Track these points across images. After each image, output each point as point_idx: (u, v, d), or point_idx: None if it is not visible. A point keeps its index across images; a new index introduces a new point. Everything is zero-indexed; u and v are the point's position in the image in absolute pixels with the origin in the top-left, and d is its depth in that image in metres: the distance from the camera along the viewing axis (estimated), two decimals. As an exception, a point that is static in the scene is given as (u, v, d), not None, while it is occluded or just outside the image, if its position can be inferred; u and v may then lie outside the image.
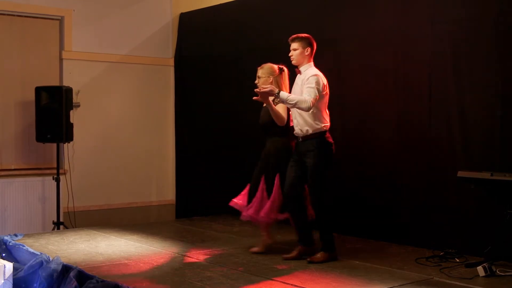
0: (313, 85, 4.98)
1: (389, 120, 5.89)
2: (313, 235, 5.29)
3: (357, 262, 5.07)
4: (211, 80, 7.93)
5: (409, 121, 5.74)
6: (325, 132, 5.13)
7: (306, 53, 5.17)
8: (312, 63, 5.22)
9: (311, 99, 4.91)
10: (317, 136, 5.10)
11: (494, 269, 4.61)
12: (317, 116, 5.09)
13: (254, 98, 5.07)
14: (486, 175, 4.70)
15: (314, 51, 5.24)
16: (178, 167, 8.38)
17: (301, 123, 5.15)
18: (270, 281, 4.49)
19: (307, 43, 5.18)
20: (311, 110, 5.01)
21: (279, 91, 5.02)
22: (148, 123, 8.25)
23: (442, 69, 5.48)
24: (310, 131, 5.11)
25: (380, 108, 5.97)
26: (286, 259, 5.18)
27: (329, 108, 6.49)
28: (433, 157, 5.54)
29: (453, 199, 5.39)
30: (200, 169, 8.04)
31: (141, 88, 8.20)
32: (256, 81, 5.44)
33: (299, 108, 4.99)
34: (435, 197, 5.53)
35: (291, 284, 4.38)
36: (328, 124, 5.16)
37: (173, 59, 8.45)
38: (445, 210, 5.46)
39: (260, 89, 5.03)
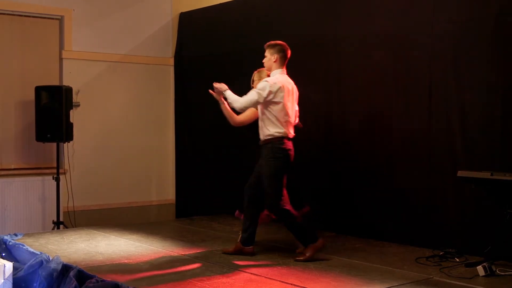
0: (256, 89, 5.16)
1: (389, 119, 5.89)
2: (254, 235, 5.36)
3: (357, 261, 5.07)
4: (211, 80, 7.89)
5: (409, 121, 5.74)
6: (278, 139, 5.16)
7: (273, 60, 5.28)
8: (280, 70, 5.29)
9: (244, 101, 5.16)
10: (269, 142, 5.20)
11: (494, 269, 4.61)
12: (269, 124, 5.19)
13: (210, 91, 5.36)
14: (486, 174, 4.70)
15: (286, 59, 5.32)
16: (178, 166, 8.38)
17: (259, 130, 5.30)
18: (269, 280, 4.49)
19: (275, 50, 5.29)
20: (262, 117, 5.22)
21: (226, 89, 5.28)
22: (148, 122, 8.25)
23: (442, 69, 5.49)
24: (263, 138, 5.24)
25: (380, 108, 5.97)
26: (225, 252, 5.32)
27: (328, 108, 6.51)
28: (433, 157, 5.54)
29: (453, 199, 5.39)
30: (200, 169, 8.04)
31: (141, 88, 8.20)
32: (252, 85, 5.54)
33: (232, 106, 5.29)
34: (435, 196, 5.53)
35: (291, 284, 4.38)
36: (283, 131, 5.17)
37: (173, 58, 8.45)
38: (445, 209, 5.46)
39: (215, 84, 5.33)
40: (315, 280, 4.50)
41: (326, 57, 6.47)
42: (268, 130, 5.19)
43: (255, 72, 5.61)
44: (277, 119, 5.18)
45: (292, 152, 5.25)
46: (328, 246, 5.38)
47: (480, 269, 4.59)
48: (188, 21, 8.34)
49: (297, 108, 5.43)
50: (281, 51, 5.28)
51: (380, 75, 5.98)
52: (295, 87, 5.37)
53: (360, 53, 6.15)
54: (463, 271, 4.74)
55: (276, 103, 5.16)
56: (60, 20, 7.63)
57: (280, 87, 5.15)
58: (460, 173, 4.94)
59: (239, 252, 5.29)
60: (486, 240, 4.94)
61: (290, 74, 6.52)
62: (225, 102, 5.37)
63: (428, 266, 4.92)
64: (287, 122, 5.22)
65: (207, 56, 7.97)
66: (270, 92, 5.11)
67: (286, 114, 5.21)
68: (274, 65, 5.29)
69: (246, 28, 7.39)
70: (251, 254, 5.27)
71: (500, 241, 4.87)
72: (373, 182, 6.01)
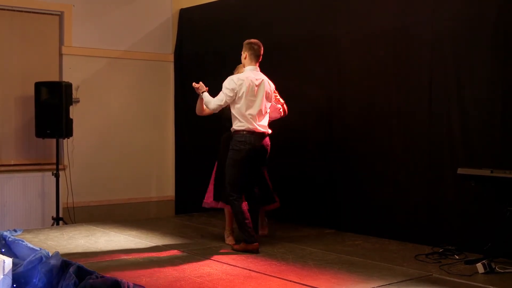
0: (223, 89, 5.47)
1: (390, 117, 5.88)
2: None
3: (357, 258, 5.07)
4: (211, 76, 7.89)
5: (410, 119, 5.73)
6: (238, 132, 5.42)
7: (244, 57, 5.56)
8: (251, 67, 5.52)
9: (214, 102, 5.51)
10: (233, 135, 5.48)
11: (494, 266, 4.61)
12: (233, 118, 5.48)
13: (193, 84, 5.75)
14: (486, 172, 4.70)
15: (258, 56, 5.51)
16: (178, 163, 8.38)
17: None
18: (269, 277, 4.49)
19: (245, 48, 5.56)
20: (232, 112, 5.48)
21: (204, 91, 5.67)
22: (147, 119, 8.24)
23: (442, 66, 5.47)
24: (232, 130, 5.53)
25: (380, 105, 5.96)
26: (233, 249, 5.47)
27: (328, 105, 6.50)
28: (433, 154, 5.53)
29: (453, 196, 5.38)
30: (200, 165, 8.01)
31: (141, 84, 8.19)
32: None
33: (207, 107, 5.66)
34: (435, 193, 5.53)
35: (290, 281, 4.38)
36: (244, 125, 5.38)
37: (173, 54, 8.44)
38: (445, 207, 5.46)
39: (194, 85, 5.70)
40: (314, 277, 4.49)
41: (326, 54, 6.45)
42: (233, 123, 5.47)
43: (237, 67, 5.84)
44: (239, 114, 5.41)
45: (252, 145, 5.38)
46: (328, 242, 5.39)
47: (479, 266, 4.60)
48: (188, 18, 8.33)
49: (273, 103, 5.69)
50: (251, 49, 5.51)
51: (380, 72, 5.97)
52: (267, 83, 5.52)
53: (360, 50, 6.14)
54: (463, 268, 4.74)
55: (237, 100, 5.41)
56: (60, 16, 7.61)
57: (242, 83, 5.39)
58: (460, 171, 4.93)
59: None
60: (486, 238, 4.94)
61: (290, 71, 6.54)
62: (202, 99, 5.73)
63: (428, 263, 4.92)
64: (249, 117, 5.39)
65: (207, 53, 7.96)
66: (233, 90, 5.39)
67: (248, 108, 5.39)
68: (245, 62, 5.55)
69: (246, 24, 7.38)
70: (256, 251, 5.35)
71: (500, 239, 4.87)
72: (373, 179, 6.00)
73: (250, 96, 5.39)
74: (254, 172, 5.58)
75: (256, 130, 5.40)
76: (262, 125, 5.46)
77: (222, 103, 5.48)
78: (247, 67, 5.53)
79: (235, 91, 5.39)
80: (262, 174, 5.92)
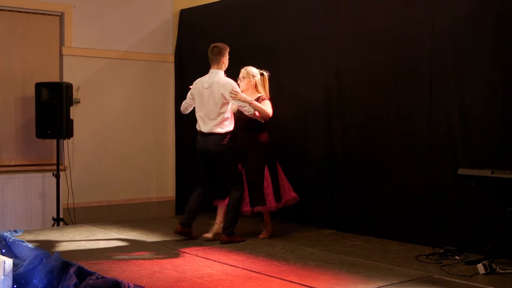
0: None
1: (390, 117, 5.87)
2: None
3: (357, 259, 5.07)
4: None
5: (410, 119, 5.73)
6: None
7: None
8: (210, 70, 5.86)
9: (182, 104, 6.07)
10: None
11: (494, 267, 4.61)
12: None
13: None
14: (486, 172, 4.70)
15: (212, 59, 5.86)
16: (178, 163, 8.37)
17: None
18: (269, 278, 4.49)
19: None
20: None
21: None
22: (148, 119, 8.24)
23: (442, 66, 5.47)
24: None
25: (380, 105, 5.96)
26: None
27: (327, 105, 6.51)
28: (434, 154, 5.53)
29: (454, 196, 5.38)
30: (200, 166, 8.02)
31: (141, 85, 8.19)
32: (238, 81, 5.95)
33: None
34: (435, 194, 5.52)
35: (290, 281, 4.38)
36: (197, 127, 5.85)
37: (173, 55, 8.44)
38: (445, 207, 5.46)
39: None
40: (314, 277, 4.49)
41: (325, 54, 6.45)
42: None
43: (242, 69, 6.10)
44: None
45: (199, 145, 5.85)
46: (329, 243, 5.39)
47: (480, 267, 4.59)
48: (189, 18, 8.33)
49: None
50: (208, 53, 5.84)
51: (380, 72, 5.96)
52: (220, 85, 5.66)
53: (360, 50, 6.13)
54: (463, 269, 4.74)
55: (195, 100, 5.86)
56: (61, 16, 7.61)
57: (195, 86, 5.83)
58: (461, 171, 4.93)
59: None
60: (487, 238, 4.94)
61: (290, 71, 6.53)
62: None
63: (428, 264, 4.92)
64: (198, 118, 5.82)
65: (207, 53, 7.94)
66: (190, 92, 5.90)
67: (198, 111, 5.82)
68: None
69: (246, 25, 7.38)
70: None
71: (500, 239, 4.87)
72: (373, 179, 6.00)
73: (199, 98, 5.78)
74: (218, 171, 5.85)
75: (201, 131, 5.77)
76: (209, 126, 5.70)
77: (186, 105, 6.01)
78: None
79: (192, 93, 5.86)
80: (250, 174, 5.94)
